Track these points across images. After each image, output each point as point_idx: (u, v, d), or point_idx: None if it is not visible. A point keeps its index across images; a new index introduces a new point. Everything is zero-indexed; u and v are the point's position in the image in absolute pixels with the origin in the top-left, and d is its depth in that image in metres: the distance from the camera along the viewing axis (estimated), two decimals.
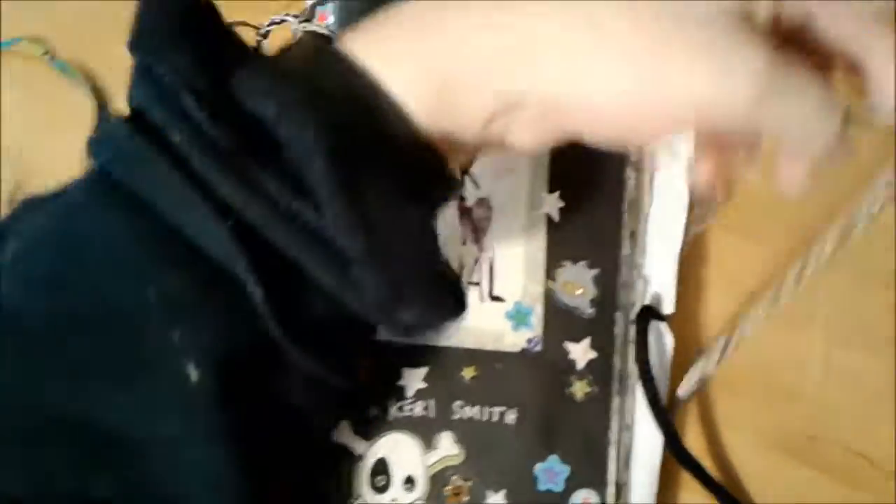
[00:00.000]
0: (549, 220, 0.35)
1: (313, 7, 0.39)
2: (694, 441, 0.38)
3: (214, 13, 0.25)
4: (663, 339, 0.37)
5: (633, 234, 0.36)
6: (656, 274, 0.37)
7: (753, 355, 0.38)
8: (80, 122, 0.41)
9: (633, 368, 0.36)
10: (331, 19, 0.38)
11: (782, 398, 0.38)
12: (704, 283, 0.39)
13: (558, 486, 0.33)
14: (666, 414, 0.35)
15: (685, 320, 0.38)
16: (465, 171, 0.26)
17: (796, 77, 0.22)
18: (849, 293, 0.39)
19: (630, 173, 0.36)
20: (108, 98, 0.42)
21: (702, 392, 0.38)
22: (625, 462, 0.35)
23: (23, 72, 0.42)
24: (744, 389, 0.38)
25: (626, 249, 0.36)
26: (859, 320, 0.38)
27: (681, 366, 0.38)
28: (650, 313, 0.36)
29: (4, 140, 0.41)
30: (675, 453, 0.35)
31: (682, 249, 0.38)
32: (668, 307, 0.37)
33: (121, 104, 0.39)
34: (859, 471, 0.37)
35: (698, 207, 0.39)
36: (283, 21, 0.39)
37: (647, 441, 0.36)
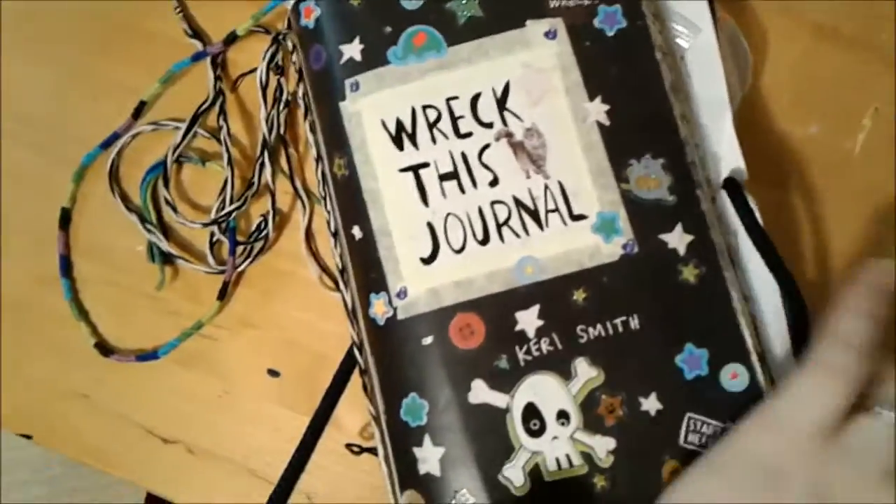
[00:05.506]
0: (601, 126, 0.35)
1: (297, 4, 0.38)
2: None
3: None
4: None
5: (684, 116, 0.36)
6: (721, 148, 0.37)
7: None
8: None
9: (731, 240, 0.35)
10: (317, 12, 0.37)
11: None
12: None
13: (704, 371, 0.33)
14: (784, 266, 0.34)
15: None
16: None
17: None
18: None
19: (658, 55, 0.36)
20: None
21: None
22: (757, 332, 0.35)
23: None
24: None
25: (683, 131, 0.35)
26: None
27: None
28: (733, 184, 0.36)
29: None
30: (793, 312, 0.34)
31: (735, 117, 0.37)
32: (742, 174, 0.37)
33: None
34: None
35: (734, 74, 0.38)
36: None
37: (773, 309, 0.35)
